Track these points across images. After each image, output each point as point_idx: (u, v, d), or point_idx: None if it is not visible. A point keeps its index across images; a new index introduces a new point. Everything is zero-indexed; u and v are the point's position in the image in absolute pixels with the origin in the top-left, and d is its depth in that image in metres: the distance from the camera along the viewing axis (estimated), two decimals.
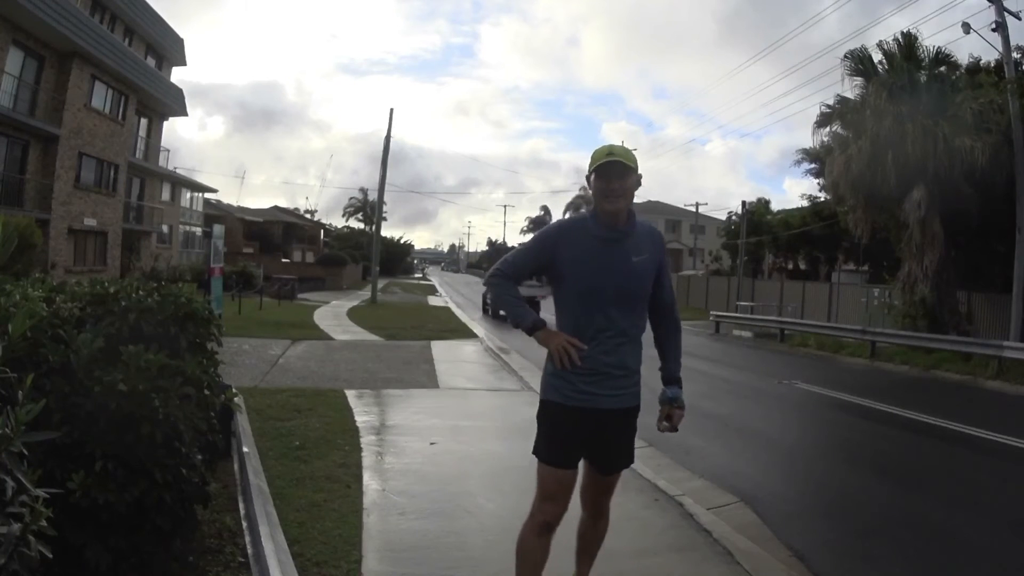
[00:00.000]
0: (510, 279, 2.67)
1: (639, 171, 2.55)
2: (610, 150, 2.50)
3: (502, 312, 2.72)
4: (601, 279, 2.50)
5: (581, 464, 2.63)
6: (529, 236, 3.40)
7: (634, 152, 2.59)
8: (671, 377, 2.71)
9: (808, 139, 22.92)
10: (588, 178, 2.57)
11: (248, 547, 3.09)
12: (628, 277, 2.52)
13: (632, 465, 2.71)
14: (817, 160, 23.55)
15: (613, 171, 2.47)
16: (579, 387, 2.51)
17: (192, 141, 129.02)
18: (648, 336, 2.71)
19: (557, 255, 2.56)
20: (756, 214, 36.45)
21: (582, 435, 2.56)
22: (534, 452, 2.61)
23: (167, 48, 28.57)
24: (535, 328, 2.55)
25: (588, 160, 2.58)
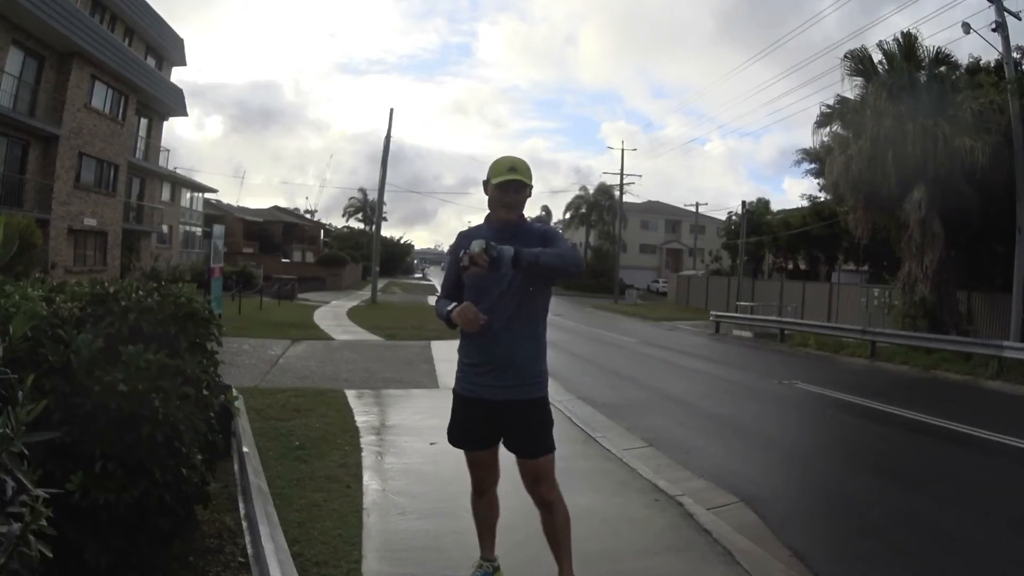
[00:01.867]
0: (444, 298, 2.96)
1: (532, 184, 2.86)
2: (512, 165, 2.78)
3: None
4: (489, 275, 2.68)
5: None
6: None
7: (529, 167, 2.85)
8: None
9: (808, 139, 23.01)
10: (485, 184, 2.85)
11: (248, 547, 3.09)
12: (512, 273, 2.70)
13: (550, 454, 2.85)
14: (817, 160, 23.58)
15: (511, 187, 2.78)
16: (469, 378, 2.84)
17: (190, 141, 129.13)
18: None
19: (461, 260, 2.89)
20: (756, 214, 36.49)
21: (475, 422, 2.86)
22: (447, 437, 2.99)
23: (167, 48, 28.57)
24: (448, 315, 2.75)
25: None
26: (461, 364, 2.90)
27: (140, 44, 26.26)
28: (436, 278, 76.26)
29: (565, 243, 2.86)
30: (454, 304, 2.76)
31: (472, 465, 2.98)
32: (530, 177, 2.81)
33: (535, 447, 2.83)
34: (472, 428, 2.88)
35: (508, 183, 2.77)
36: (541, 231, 2.89)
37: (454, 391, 2.95)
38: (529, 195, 2.88)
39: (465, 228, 3.10)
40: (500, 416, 2.80)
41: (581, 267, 2.84)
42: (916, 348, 15.01)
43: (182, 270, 28.38)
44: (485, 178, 2.86)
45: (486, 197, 2.91)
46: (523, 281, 2.73)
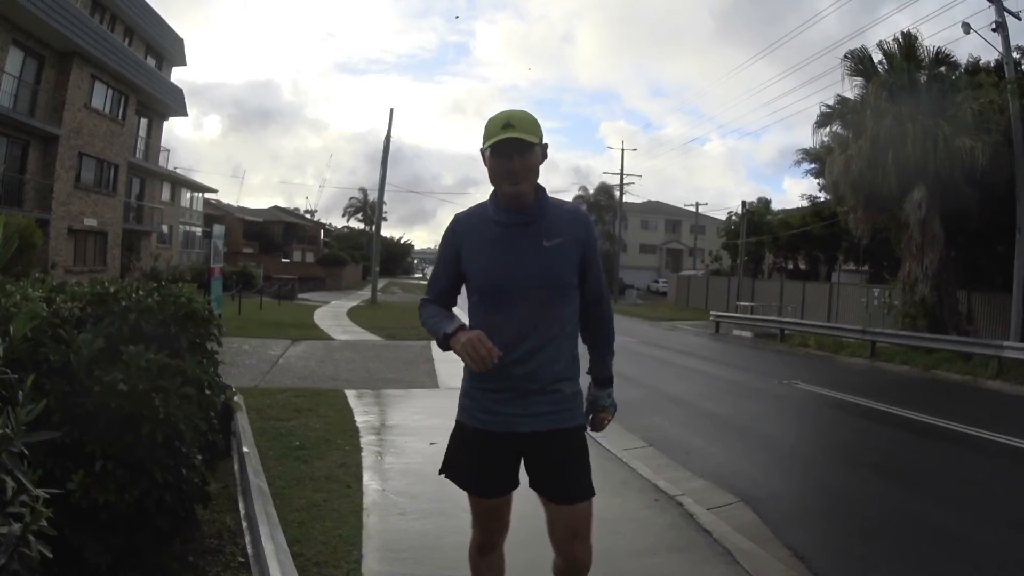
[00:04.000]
0: (432, 303, 2.27)
1: (543, 140, 2.10)
2: (507, 120, 2.03)
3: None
4: (505, 271, 2.07)
5: (532, 495, 2.26)
6: None
7: (535, 119, 2.09)
8: (596, 377, 2.35)
9: (808, 138, 23.03)
10: (483, 154, 2.10)
11: (248, 547, 3.10)
12: (539, 266, 2.07)
13: (590, 499, 2.22)
14: (817, 160, 23.58)
15: (511, 148, 2.03)
16: (488, 407, 2.15)
17: (188, 140, 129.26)
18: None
19: (461, 252, 2.17)
20: (756, 214, 36.49)
21: (498, 462, 2.19)
22: (440, 471, 2.30)
23: (167, 48, 28.57)
24: (447, 340, 2.06)
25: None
26: (471, 389, 2.20)
27: (140, 44, 26.27)
28: None
29: (598, 260, 2.25)
30: (456, 323, 2.09)
31: (482, 516, 2.29)
32: (537, 132, 2.06)
33: (575, 489, 2.19)
34: (491, 469, 2.20)
35: (504, 144, 2.02)
36: (575, 226, 2.17)
37: (460, 423, 2.25)
38: (542, 157, 2.11)
39: (462, 210, 2.32)
40: (529, 452, 2.19)
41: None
42: (916, 348, 15.00)
43: (182, 270, 28.37)
44: (481, 147, 2.10)
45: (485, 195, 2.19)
46: (554, 288, 2.11)
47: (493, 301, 2.12)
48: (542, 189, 2.16)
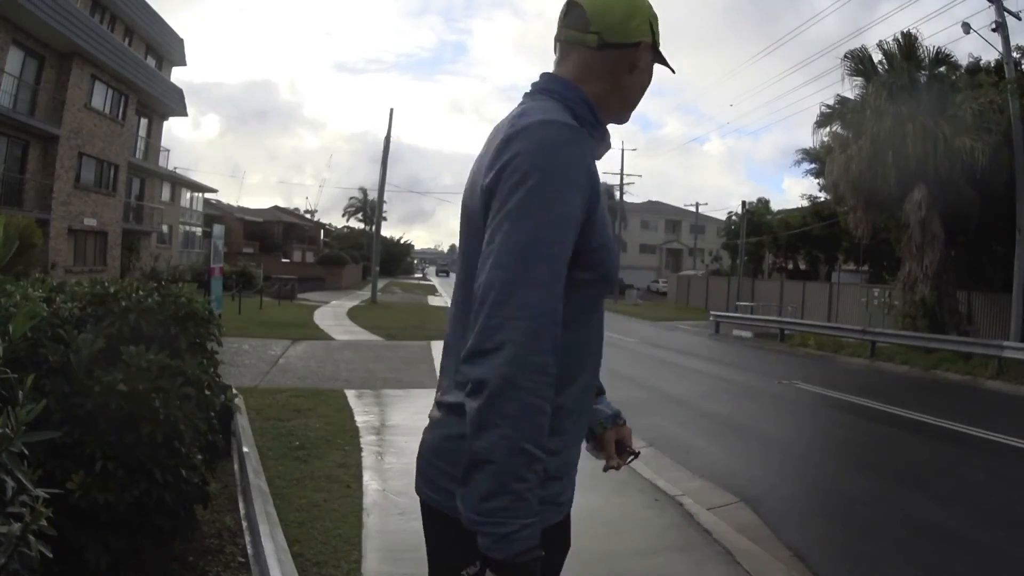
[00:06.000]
0: (555, 316, 1.09)
1: None
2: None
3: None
4: (615, 252, 1.29)
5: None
6: None
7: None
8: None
9: (808, 138, 23.01)
10: (627, 51, 1.28)
11: (248, 547, 3.10)
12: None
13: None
14: (817, 160, 23.59)
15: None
16: (571, 487, 1.33)
17: (186, 140, 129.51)
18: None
19: (595, 215, 1.17)
20: (756, 214, 36.50)
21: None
22: None
23: (167, 48, 28.58)
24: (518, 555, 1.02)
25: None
26: (570, 465, 1.30)
27: (140, 44, 26.27)
28: (435, 278, 75.66)
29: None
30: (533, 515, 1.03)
31: None
32: None
33: None
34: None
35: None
36: None
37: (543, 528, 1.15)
38: None
39: (565, 123, 1.17)
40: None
41: None
42: (916, 348, 15.01)
43: (182, 270, 28.38)
44: (604, 40, 1.25)
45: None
46: None
47: (601, 301, 1.30)
48: None
